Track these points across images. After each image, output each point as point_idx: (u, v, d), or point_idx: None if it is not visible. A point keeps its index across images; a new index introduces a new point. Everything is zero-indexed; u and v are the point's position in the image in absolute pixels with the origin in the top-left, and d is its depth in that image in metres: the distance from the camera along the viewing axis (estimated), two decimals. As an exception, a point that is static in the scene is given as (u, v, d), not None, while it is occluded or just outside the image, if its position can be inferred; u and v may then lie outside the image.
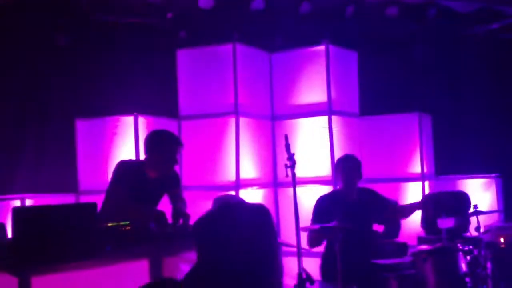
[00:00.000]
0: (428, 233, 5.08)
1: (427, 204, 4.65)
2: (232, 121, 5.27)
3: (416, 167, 5.82)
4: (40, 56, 5.95)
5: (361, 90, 5.95)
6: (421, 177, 5.79)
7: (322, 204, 4.36)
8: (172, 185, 4.00)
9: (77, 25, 6.01)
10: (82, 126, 5.49)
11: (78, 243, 2.88)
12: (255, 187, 5.34)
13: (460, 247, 4.13)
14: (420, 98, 6.67)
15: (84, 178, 5.42)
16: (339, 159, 4.52)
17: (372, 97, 6.24)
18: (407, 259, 4.15)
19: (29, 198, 5.19)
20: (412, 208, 4.45)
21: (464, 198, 5.13)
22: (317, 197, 4.46)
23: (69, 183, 5.46)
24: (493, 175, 6.21)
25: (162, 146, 3.82)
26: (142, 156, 4.12)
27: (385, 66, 6.71)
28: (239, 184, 5.16)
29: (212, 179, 5.28)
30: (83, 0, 5.81)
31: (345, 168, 4.37)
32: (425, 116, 6.06)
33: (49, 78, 6.02)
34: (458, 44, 6.96)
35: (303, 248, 3.72)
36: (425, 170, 5.84)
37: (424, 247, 4.14)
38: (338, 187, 4.56)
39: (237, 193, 5.08)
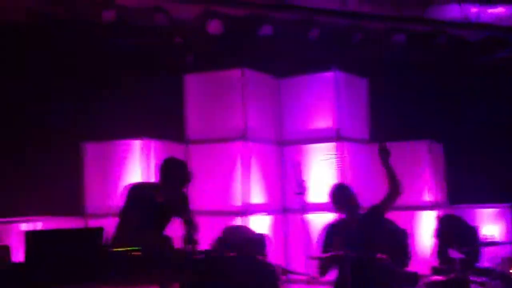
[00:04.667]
0: (441, 263, 4.96)
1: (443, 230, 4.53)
2: (241, 145, 5.21)
3: (428, 196, 5.72)
4: (51, 76, 5.93)
5: (372, 116, 5.90)
6: (433, 206, 5.68)
7: (328, 232, 4.26)
8: (181, 208, 3.96)
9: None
10: (90, 149, 5.44)
11: (84, 267, 2.85)
12: (263, 213, 5.26)
13: (473, 279, 4.02)
14: (431, 125, 6.61)
15: (92, 201, 5.36)
16: (334, 189, 4.35)
17: (384, 124, 6.17)
18: (419, 289, 4.04)
19: (35, 221, 5.11)
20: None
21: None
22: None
23: (76, 206, 5.39)
24: (505, 204, 6.10)
25: (179, 174, 3.90)
26: (150, 180, 4.09)
27: (396, 93, 6.67)
28: (247, 210, 5.08)
29: (220, 204, 5.21)
30: (92, 23, 5.81)
31: (342, 197, 4.26)
32: (435, 144, 5.99)
33: (55, 100, 5.98)
34: (469, 71, 6.93)
35: (313, 277, 3.63)
36: (437, 198, 5.74)
37: (437, 277, 4.04)
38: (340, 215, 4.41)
39: (245, 219, 4.99)
